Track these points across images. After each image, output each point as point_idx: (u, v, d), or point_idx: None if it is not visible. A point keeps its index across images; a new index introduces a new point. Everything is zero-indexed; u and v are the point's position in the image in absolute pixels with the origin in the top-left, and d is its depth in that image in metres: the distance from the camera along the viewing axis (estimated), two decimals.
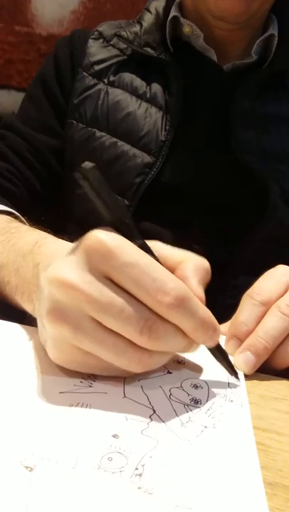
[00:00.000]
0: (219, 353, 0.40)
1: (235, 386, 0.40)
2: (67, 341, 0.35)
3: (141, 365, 0.35)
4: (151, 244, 0.39)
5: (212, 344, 0.37)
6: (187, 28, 0.76)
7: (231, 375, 0.40)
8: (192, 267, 0.38)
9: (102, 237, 0.33)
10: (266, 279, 0.48)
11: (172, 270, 0.38)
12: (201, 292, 0.37)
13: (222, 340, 0.45)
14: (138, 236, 0.36)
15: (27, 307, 0.44)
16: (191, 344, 0.36)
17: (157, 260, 0.36)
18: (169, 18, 0.77)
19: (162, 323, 0.34)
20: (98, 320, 0.33)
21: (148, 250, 0.36)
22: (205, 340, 0.36)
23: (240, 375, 0.41)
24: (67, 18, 1.26)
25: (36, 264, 0.42)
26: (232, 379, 0.40)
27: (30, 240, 0.49)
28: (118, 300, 0.33)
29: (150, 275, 0.33)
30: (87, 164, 0.34)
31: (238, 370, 0.42)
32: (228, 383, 0.40)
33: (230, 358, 0.43)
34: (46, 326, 0.35)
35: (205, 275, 0.39)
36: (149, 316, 0.33)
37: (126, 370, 0.35)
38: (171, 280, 0.33)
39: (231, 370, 0.40)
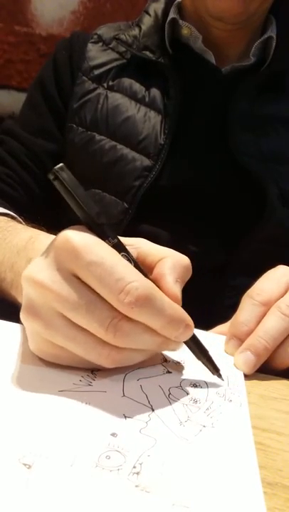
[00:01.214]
0: (198, 350, 0.39)
1: (234, 386, 0.39)
2: (41, 336, 0.36)
3: (110, 361, 0.35)
4: (135, 241, 0.40)
5: (184, 339, 0.37)
6: (186, 29, 0.76)
7: (213, 373, 0.39)
8: (170, 265, 0.38)
9: (70, 236, 0.34)
10: (266, 280, 0.47)
11: (151, 267, 0.38)
12: (176, 290, 0.37)
13: (222, 341, 0.45)
14: (112, 235, 0.36)
15: (20, 300, 0.44)
16: (167, 342, 0.36)
17: (133, 260, 0.37)
18: (168, 20, 0.77)
19: (128, 321, 0.34)
20: (68, 317, 0.34)
21: (123, 249, 0.36)
22: (177, 337, 0.36)
23: (240, 375, 0.41)
24: (67, 18, 1.26)
25: (29, 260, 0.43)
26: (232, 377, 0.40)
27: (24, 237, 0.50)
28: (84, 299, 0.33)
29: (114, 275, 0.33)
30: (58, 165, 0.34)
31: (237, 370, 0.42)
32: (228, 383, 0.39)
33: (230, 359, 0.43)
34: (23, 321, 0.36)
35: (183, 272, 0.39)
36: (115, 314, 0.33)
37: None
38: (135, 280, 0.33)
39: (212, 367, 0.39)
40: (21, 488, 0.26)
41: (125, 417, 0.33)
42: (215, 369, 0.39)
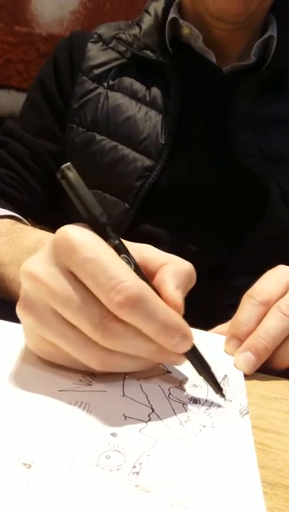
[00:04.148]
0: (200, 365, 0.37)
1: (234, 386, 0.39)
2: (34, 331, 0.35)
3: (99, 363, 0.34)
4: (138, 246, 0.39)
5: (181, 350, 0.35)
6: (186, 29, 0.76)
7: (216, 393, 0.37)
8: (171, 271, 0.37)
9: (68, 231, 0.33)
10: (266, 280, 0.47)
11: (153, 274, 0.37)
12: (177, 297, 0.35)
13: (222, 340, 0.45)
14: (114, 236, 0.35)
15: None
16: (164, 351, 0.35)
17: (133, 263, 0.36)
18: (168, 19, 0.77)
19: (118, 322, 0.33)
20: (60, 313, 0.34)
21: (124, 252, 0.35)
22: (173, 347, 0.34)
23: (240, 375, 0.41)
24: (67, 18, 1.26)
25: None
26: (231, 378, 0.40)
27: (34, 238, 0.50)
28: (77, 295, 0.33)
29: (106, 273, 0.32)
30: (65, 164, 0.34)
31: (237, 370, 0.42)
32: (228, 383, 0.39)
33: (230, 359, 0.43)
34: (18, 315, 0.36)
35: (186, 279, 0.37)
36: (105, 314, 0.32)
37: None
38: (128, 280, 0.32)
39: (215, 386, 0.37)
40: (21, 488, 0.26)
41: (125, 416, 0.33)
42: (218, 388, 0.37)
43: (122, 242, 0.36)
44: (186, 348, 0.35)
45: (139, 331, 0.33)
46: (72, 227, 0.34)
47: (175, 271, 0.37)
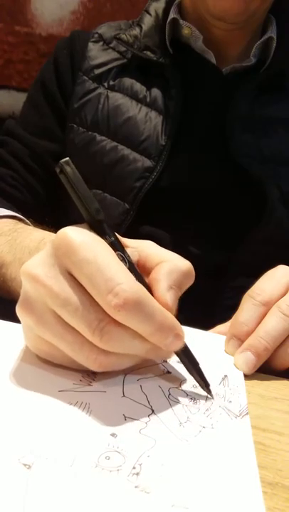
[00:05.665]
0: (189, 363, 0.38)
1: (234, 386, 0.39)
2: (33, 331, 0.36)
3: (97, 364, 0.34)
4: (139, 243, 0.39)
5: (174, 349, 0.35)
6: (186, 29, 0.76)
7: (203, 388, 0.37)
8: (166, 270, 0.36)
9: (68, 233, 0.34)
10: (267, 280, 0.47)
11: (150, 271, 0.37)
12: (168, 297, 0.35)
13: (222, 340, 0.45)
14: (110, 233, 0.35)
15: None
16: (156, 349, 0.35)
17: (128, 261, 0.36)
18: (168, 20, 0.77)
19: (116, 325, 0.32)
20: (59, 314, 0.34)
21: (119, 249, 0.35)
22: (166, 345, 0.34)
23: (240, 375, 0.41)
24: (67, 18, 1.26)
25: None
26: (231, 378, 0.40)
27: (36, 238, 0.51)
28: (75, 297, 0.33)
29: (104, 274, 0.32)
30: (64, 159, 0.34)
31: (237, 370, 0.42)
32: (228, 383, 0.39)
33: (230, 359, 0.43)
34: (18, 315, 0.36)
35: (181, 278, 0.37)
36: (103, 317, 0.32)
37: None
38: (125, 282, 0.32)
39: (202, 382, 0.37)
40: (21, 488, 0.26)
41: (125, 417, 0.33)
42: (205, 384, 0.37)
43: (117, 239, 0.36)
44: (178, 346, 0.36)
45: (135, 332, 0.33)
46: (72, 229, 0.34)
47: (170, 270, 0.37)
